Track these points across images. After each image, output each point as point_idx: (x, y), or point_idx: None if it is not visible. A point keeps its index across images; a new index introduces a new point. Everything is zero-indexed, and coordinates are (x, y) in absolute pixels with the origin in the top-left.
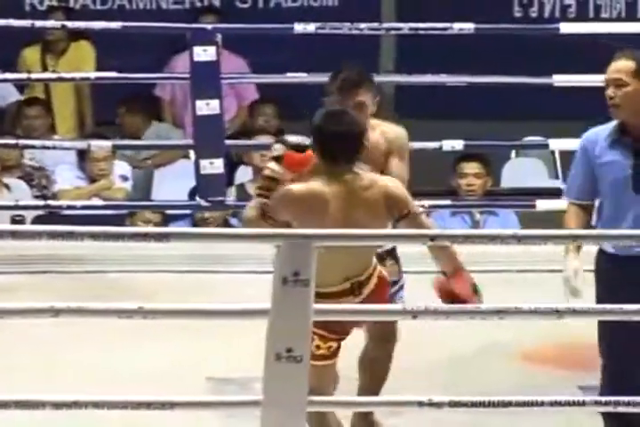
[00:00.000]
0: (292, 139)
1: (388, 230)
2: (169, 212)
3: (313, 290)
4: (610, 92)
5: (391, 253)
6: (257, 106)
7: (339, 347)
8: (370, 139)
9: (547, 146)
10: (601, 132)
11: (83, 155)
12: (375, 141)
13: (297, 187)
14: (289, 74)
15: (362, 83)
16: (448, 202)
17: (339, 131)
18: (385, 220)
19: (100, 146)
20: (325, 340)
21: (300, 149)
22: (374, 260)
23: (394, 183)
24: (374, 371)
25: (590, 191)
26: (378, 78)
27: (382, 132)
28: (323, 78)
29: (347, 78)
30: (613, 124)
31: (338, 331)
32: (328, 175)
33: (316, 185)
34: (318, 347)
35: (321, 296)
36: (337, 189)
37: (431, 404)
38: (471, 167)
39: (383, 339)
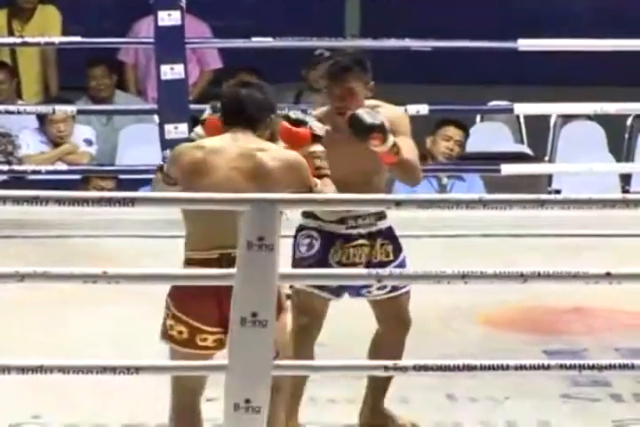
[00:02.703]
0: (292, 115)
1: (354, 195)
2: (134, 177)
3: (278, 255)
4: None
5: (383, 233)
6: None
7: (193, 336)
8: None
9: (512, 110)
10: None
11: (43, 119)
12: None
13: (185, 144)
14: (254, 39)
15: (352, 68)
16: None
17: (234, 94)
18: (272, 189)
19: (65, 110)
20: (178, 321)
21: (298, 123)
22: None
23: (295, 157)
24: (386, 357)
25: None
26: (342, 43)
27: (381, 113)
28: (288, 43)
29: (336, 64)
30: None
31: (194, 314)
32: (221, 137)
33: (205, 143)
34: (171, 327)
35: (188, 262)
36: (223, 150)
37: (396, 368)
38: (456, 133)
39: (397, 324)
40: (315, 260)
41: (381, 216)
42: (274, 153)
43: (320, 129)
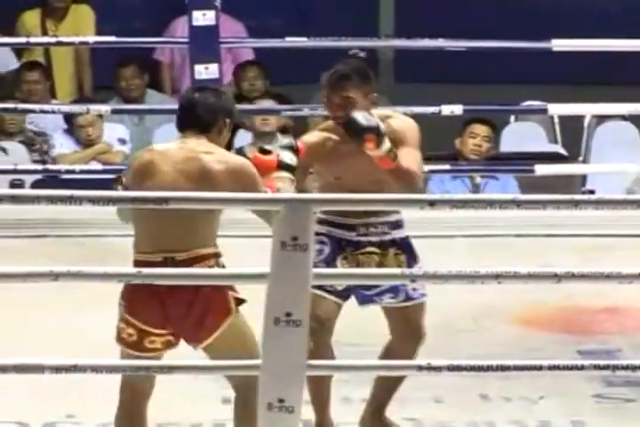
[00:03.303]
0: (266, 146)
1: (386, 195)
2: None
3: (311, 254)
4: None
5: (397, 243)
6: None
7: (141, 339)
8: None
9: (546, 111)
10: None
11: (71, 121)
12: None
13: (141, 151)
14: (288, 38)
15: (351, 78)
16: (448, 166)
17: (187, 99)
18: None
19: (99, 110)
20: (127, 324)
21: (266, 152)
22: (208, 248)
23: (245, 164)
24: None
25: None
26: (376, 43)
27: (388, 123)
28: (321, 43)
29: (336, 72)
30: None
31: (141, 317)
32: (173, 140)
33: (155, 146)
34: (122, 329)
35: (135, 264)
36: (170, 153)
37: (430, 368)
38: (483, 130)
39: (408, 336)
40: (323, 266)
41: (396, 226)
42: (220, 156)
43: (290, 159)
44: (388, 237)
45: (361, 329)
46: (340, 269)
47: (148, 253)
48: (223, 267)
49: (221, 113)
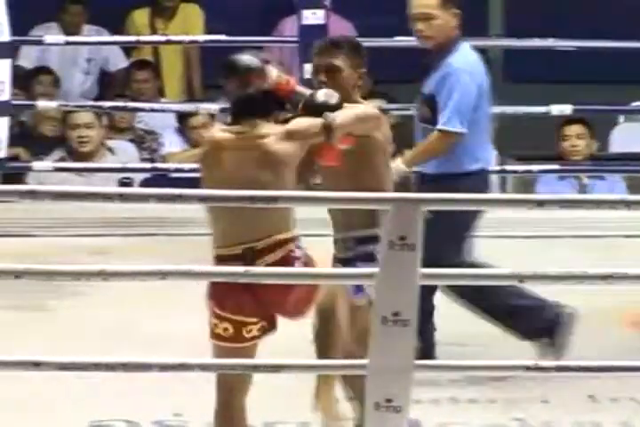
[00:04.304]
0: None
1: (493, 195)
2: None
3: (420, 254)
4: (420, 26)
5: (361, 259)
6: None
7: (239, 331)
8: None
9: None
10: None
11: (183, 121)
12: None
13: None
14: (397, 37)
15: (341, 46)
16: (556, 166)
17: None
18: (289, 176)
19: (208, 109)
20: (220, 319)
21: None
22: (285, 233)
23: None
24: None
25: None
26: (484, 42)
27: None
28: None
29: (327, 39)
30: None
31: (232, 309)
32: (230, 130)
33: (216, 136)
34: (215, 325)
35: (217, 259)
36: (233, 143)
37: (538, 368)
38: (573, 129)
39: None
40: None
41: (362, 240)
42: (273, 132)
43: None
44: (351, 254)
45: (464, 330)
46: (448, 270)
47: (226, 246)
48: (303, 250)
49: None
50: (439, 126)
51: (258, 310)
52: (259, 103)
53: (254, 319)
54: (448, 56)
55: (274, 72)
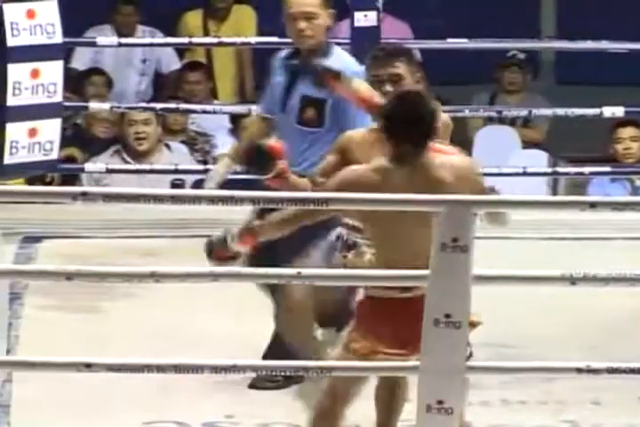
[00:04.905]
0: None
1: (541, 196)
2: None
3: (472, 256)
4: (302, 25)
5: None
6: None
7: (373, 355)
8: None
9: None
10: (284, 52)
11: (237, 121)
12: None
13: (356, 169)
14: (449, 39)
15: (399, 54)
16: (608, 168)
17: (403, 113)
18: None
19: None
20: (362, 337)
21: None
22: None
23: (467, 163)
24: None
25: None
26: (537, 44)
27: None
28: (483, 44)
29: (383, 49)
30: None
31: (375, 336)
32: (393, 159)
33: (377, 167)
34: (355, 339)
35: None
36: (399, 174)
37: (589, 370)
38: (627, 132)
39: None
40: None
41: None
42: (447, 165)
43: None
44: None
45: (515, 331)
46: (500, 271)
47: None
48: None
49: (430, 122)
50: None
51: (398, 344)
52: None
53: (392, 351)
54: (325, 58)
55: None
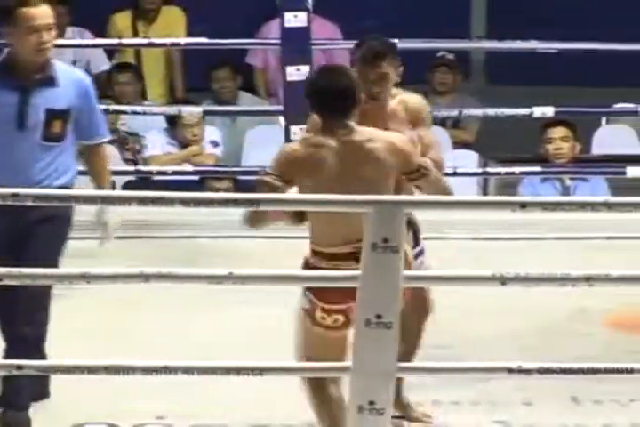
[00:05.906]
0: None
1: (472, 197)
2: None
3: (403, 256)
4: (46, 37)
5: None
6: None
7: (350, 318)
8: (389, 106)
9: (637, 113)
10: None
11: (173, 121)
12: (393, 109)
13: (292, 145)
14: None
15: (385, 54)
16: (538, 168)
17: (332, 85)
18: (390, 175)
19: (191, 112)
20: (330, 312)
21: None
22: None
23: (398, 138)
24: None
25: None
26: (466, 44)
27: (401, 100)
28: (413, 45)
29: (370, 49)
30: None
31: (338, 301)
32: (324, 131)
33: (313, 141)
34: (323, 318)
35: (322, 255)
36: (333, 145)
37: (520, 370)
38: (557, 132)
39: (415, 311)
40: None
41: None
42: (393, 136)
43: None
44: None
45: (450, 332)
46: (430, 272)
47: (337, 245)
48: None
49: (355, 95)
50: (106, 138)
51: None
52: None
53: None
54: (50, 69)
55: None
